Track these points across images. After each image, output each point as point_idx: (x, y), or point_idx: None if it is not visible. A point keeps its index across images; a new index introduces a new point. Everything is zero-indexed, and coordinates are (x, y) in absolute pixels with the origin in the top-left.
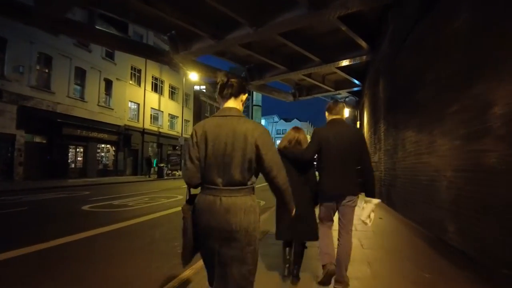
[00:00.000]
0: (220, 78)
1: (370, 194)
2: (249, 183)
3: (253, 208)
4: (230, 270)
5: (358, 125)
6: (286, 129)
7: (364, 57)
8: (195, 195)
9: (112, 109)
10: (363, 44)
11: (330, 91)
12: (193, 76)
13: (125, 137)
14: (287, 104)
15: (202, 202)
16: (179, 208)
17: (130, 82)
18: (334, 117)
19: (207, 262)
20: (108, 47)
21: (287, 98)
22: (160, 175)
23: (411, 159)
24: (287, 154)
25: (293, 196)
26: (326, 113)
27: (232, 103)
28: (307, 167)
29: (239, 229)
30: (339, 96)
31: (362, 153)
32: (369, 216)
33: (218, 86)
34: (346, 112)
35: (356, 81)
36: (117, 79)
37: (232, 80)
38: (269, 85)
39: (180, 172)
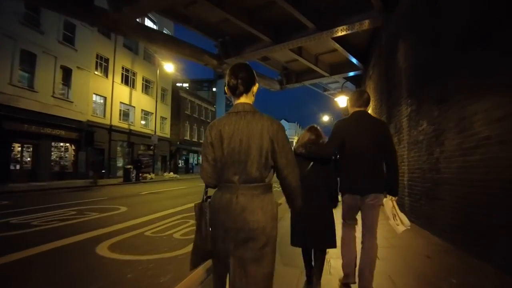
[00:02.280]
0: (228, 78)
1: (394, 192)
2: (266, 180)
3: (271, 206)
4: (247, 273)
5: None
6: None
7: (368, 22)
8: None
9: (72, 102)
10: (374, 0)
11: (324, 76)
12: (169, 67)
13: (87, 134)
14: (274, 104)
15: (218, 200)
16: (102, 231)
17: (96, 72)
18: (358, 109)
19: (218, 269)
20: (163, 49)
21: (272, 86)
22: (126, 178)
23: (483, 151)
24: (304, 153)
25: (310, 200)
26: (349, 105)
27: (244, 99)
28: (326, 164)
29: (256, 228)
30: (333, 86)
31: (387, 148)
32: (398, 218)
33: (228, 87)
34: (343, 103)
35: (355, 62)
36: (78, 67)
37: (241, 79)
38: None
39: (153, 175)
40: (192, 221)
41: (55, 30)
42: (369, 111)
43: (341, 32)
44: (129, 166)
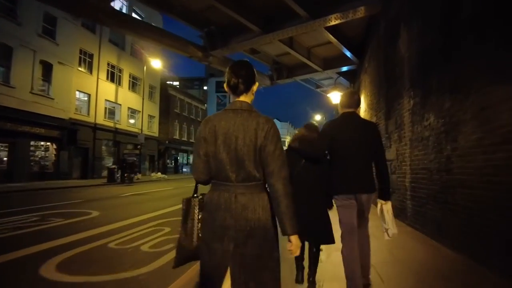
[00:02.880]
0: (229, 77)
1: (386, 196)
2: (263, 178)
3: (271, 204)
4: (251, 273)
5: None
6: None
7: (363, 8)
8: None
9: (53, 99)
10: None
11: (317, 70)
12: (156, 63)
13: (70, 132)
14: (266, 104)
15: (216, 199)
16: (58, 242)
17: (79, 68)
18: (347, 110)
19: (212, 271)
20: (143, 39)
21: (263, 82)
22: (110, 179)
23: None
24: (297, 151)
25: (306, 197)
26: (339, 106)
27: (243, 97)
28: (319, 164)
29: (257, 227)
30: (325, 83)
31: (377, 150)
32: (390, 223)
33: (228, 86)
34: (336, 99)
35: (350, 55)
36: (59, 62)
37: (241, 78)
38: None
39: (139, 176)
40: (168, 229)
41: (33, 22)
42: (365, 107)
43: (334, 20)
44: (113, 166)
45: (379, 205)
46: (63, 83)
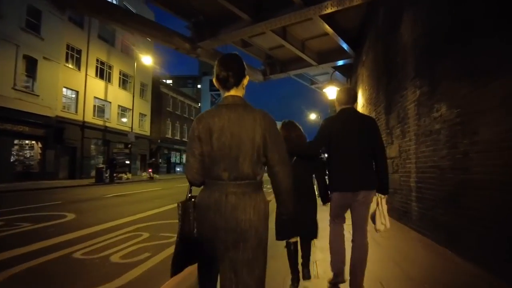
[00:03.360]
0: (218, 70)
1: (384, 190)
2: (258, 177)
3: (264, 205)
4: (238, 277)
5: None
6: None
7: None
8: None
9: (38, 95)
10: None
11: (311, 65)
12: (147, 60)
13: (56, 131)
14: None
15: (207, 198)
16: (16, 252)
17: (66, 64)
18: (345, 106)
19: (205, 273)
20: (123, 28)
21: (255, 77)
22: (99, 179)
23: None
24: (290, 149)
25: (296, 194)
26: (336, 103)
27: (234, 92)
28: (313, 161)
29: (248, 229)
30: (320, 79)
31: (376, 145)
32: (383, 217)
33: (217, 80)
34: (332, 95)
35: (346, 48)
36: (44, 58)
37: (231, 71)
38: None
39: (129, 175)
40: (146, 235)
41: (16, 15)
42: (363, 102)
43: (331, 7)
44: (101, 166)
45: (376, 198)
46: (49, 79)
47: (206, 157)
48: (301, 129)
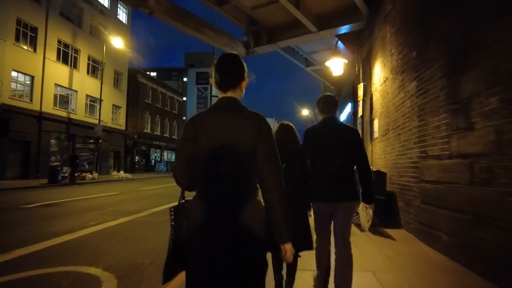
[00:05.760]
0: (215, 71)
1: (368, 199)
2: (250, 184)
3: (262, 213)
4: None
5: (361, 89)
6: None
7: None
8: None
9: None
10: None
11: (308, 32)
12: (117, 42)
13: (0, 122)
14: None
15: (200, 209)
16: None
17: (15, 43)
18: (326, 116)
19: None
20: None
21: (236, 51)
22: (52, 179)
23: None
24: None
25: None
26: (317, 111)
27: (231, 93)
28: (300, 169)
29: (247, 238)
30: (317, 58)
31: (358, 155)
32: (368, 221)
33: (214, 81)
34: (338, 69)
35: (358, 2)
36: None
37: (229, 73)
38: (201, 19)
39: (95, 175)
40: None
41: None
42: (385, 74)
43: None
44: (56, 163)
45: (361, 206)
46: None
47: (197, 162)
48: (297, 135)
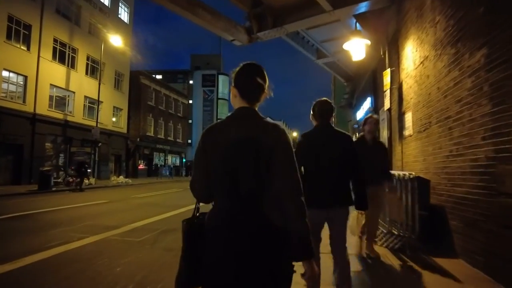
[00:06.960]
0: (236, 80)
1: (362, 206)
2: (271, 193)
3: (276, 227)
4: None
5: (387, 76)
6: None
7: None
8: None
9: None
10: None
11: (323, 11)
12: (116, 41)
13: None
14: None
15: (214, 220)
16: None
17: (7, 40)
18: (321, 122)
19: None
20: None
21: (236, 36)
22: (44, 185)
23: None
24: None
25: None
26: (311, 116)
27: (250, 104)
28: None
29: (264, 250)
30: (330, 48)
31: (352, 162)
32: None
33: (236, 91)
34: (359, 53)
35: None
36: None
37: (251, 86)
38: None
39: (93, 180)
40: None
41: None
42: (425, 52)
43: None
44: (46, 168)
45: (355, 213)
46: None
47: (213, 172)
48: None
